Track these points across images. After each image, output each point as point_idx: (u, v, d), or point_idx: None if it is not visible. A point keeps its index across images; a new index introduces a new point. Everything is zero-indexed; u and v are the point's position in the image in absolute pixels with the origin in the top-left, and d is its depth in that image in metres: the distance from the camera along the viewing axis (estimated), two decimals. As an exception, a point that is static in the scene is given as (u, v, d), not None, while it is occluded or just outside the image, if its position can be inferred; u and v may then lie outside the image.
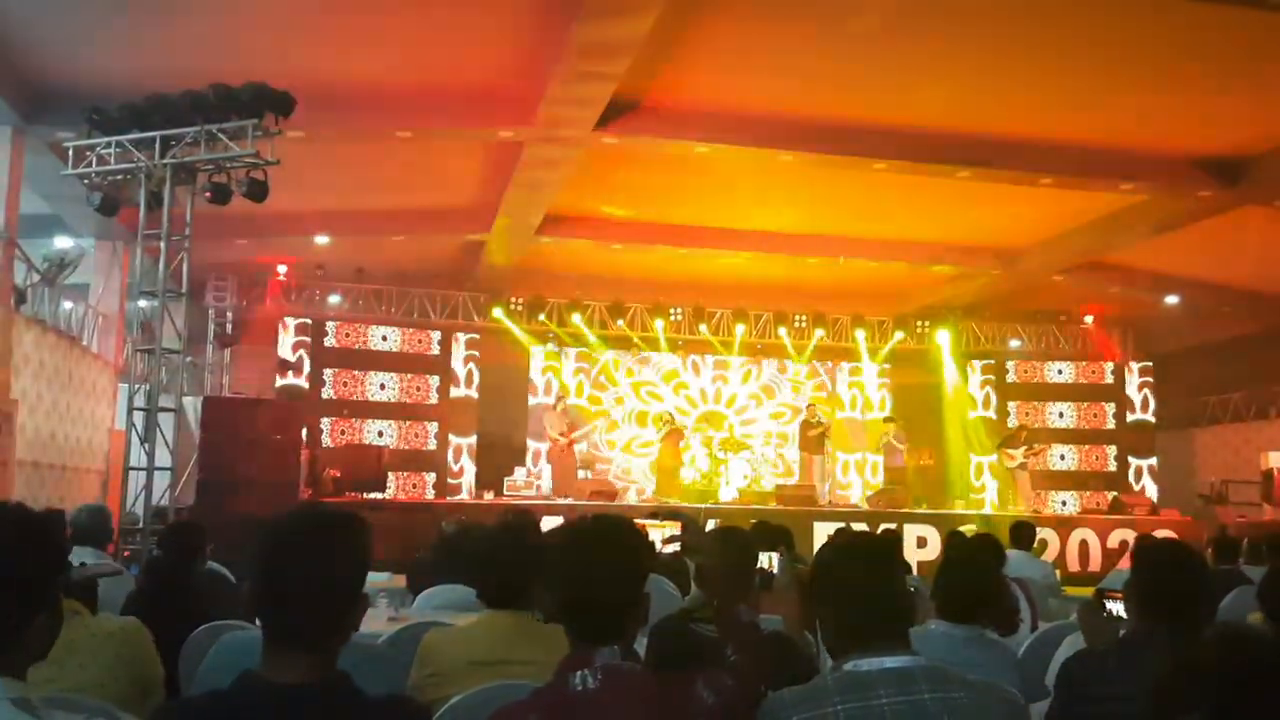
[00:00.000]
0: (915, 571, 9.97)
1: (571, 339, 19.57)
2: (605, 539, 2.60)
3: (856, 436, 20.29)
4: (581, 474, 17.65)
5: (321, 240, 17.06)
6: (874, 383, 21.00)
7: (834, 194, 15.42)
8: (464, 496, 17.94)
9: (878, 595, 2.68)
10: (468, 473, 19.18)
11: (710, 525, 10.02)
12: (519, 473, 17.85)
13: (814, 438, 18.14)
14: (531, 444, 19.72)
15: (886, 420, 19.27)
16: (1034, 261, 18.08)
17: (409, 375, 18.88)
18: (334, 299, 18.85)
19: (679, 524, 8.79)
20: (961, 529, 9.27)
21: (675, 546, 7.15)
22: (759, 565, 4.30)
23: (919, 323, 20.51)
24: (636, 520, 3.04)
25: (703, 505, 15.52)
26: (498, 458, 18.79)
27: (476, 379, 19.22)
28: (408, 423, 18.77)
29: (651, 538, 6.46)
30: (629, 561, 2.58)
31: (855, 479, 20.70)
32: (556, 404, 17.62)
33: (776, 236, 17.43)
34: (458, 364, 19.24)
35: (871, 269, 18.53)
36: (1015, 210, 15.89)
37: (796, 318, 20.08)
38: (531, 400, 19.92)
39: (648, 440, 19.69)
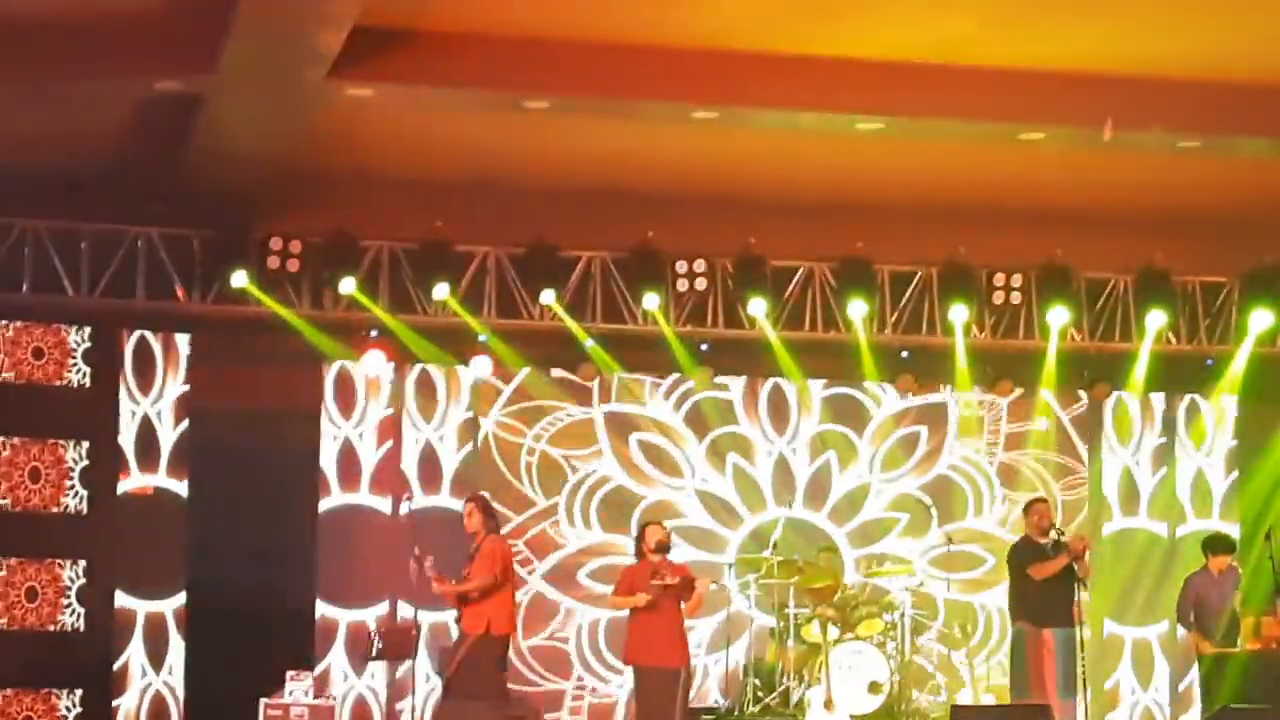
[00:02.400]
0: None
1: (433, 343, 12.02)
2: None
3: (1158, 588, 12.46)
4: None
5: None
6: (1204, 443, 12.91)
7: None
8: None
9: None
10: (172, 684, 11.86)
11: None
12: (295, 687, 10.79)
13: (1044, 588, 10.32)
14: (335, 613, 11.90)
15: (1213, 543, 11.13)
16: None
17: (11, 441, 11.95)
18: None
19: None
20: None
21: None
22: None
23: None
24: None
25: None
26: (246, 647, 11.37)
27: (175, 442, 12.07)
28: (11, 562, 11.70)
29: None
30: None
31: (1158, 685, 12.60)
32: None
33: (937, 75, 10.37)
34: (132, 408, 12.12)
35: (1184, 166, 11.21)
36: None
37: (996, 282, 11.88)
38: (326, 502, 11.96)
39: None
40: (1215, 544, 11.23)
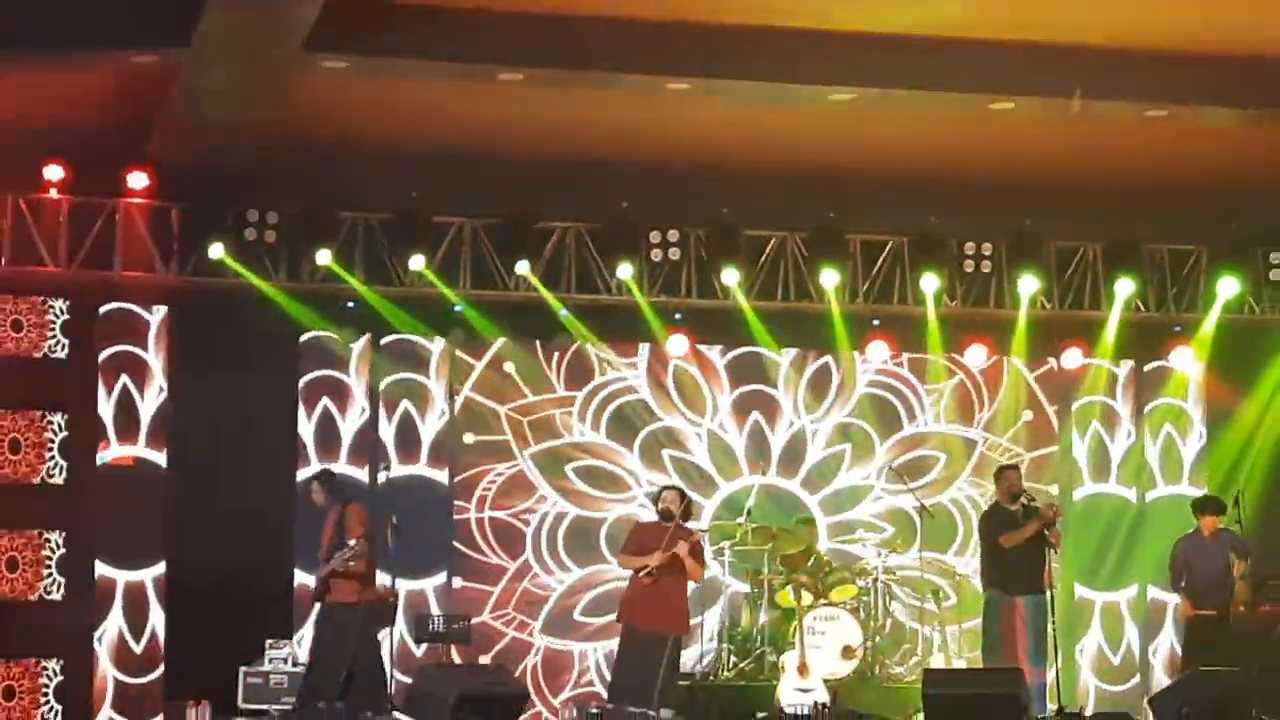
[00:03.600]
0: None
1: (409, 313, 11.85)
2: None
3: (1128, 553, 12.33)
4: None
5: None
6: (1173, 409, 12.77)
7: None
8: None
9: None
10: (152, 653, 11.63)
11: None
12: (274, 655, 10.71)
13: (1015, 555, 10.07)
14: (303, 579, 11.47)
15: (1203, 504, 10.91)
16: None
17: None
18: None
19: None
20: None
21: None
22: None
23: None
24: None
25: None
26: (225, 616, 11.13)
27: (153, 413, 11.79)
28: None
29: None
30: None
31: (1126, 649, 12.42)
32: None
33: (908, 47, 10.33)
34: (115, 380, 11.81)
35: (1152, 136, 11.01)
36: None
37: (967, 250, 11.78)
38: (304, 471, 11.58)
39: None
40: (1205, 505, 10.86)
